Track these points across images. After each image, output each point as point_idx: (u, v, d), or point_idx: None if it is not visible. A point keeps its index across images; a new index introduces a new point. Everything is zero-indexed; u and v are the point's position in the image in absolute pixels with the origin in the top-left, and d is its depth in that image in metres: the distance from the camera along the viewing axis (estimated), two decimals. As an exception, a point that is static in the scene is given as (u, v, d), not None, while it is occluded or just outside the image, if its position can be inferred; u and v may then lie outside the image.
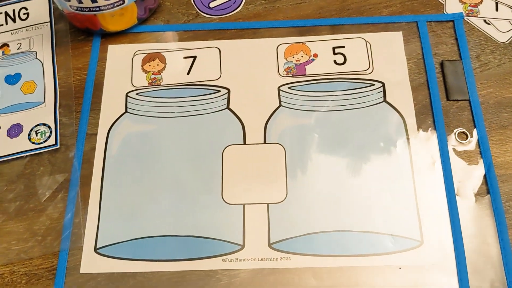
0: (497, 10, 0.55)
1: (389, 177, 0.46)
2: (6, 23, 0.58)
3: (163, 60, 0.54)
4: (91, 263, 0.44)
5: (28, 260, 0.45)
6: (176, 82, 0.52)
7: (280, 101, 0.50)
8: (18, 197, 0.48)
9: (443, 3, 0.56)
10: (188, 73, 0.53)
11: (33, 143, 0.50)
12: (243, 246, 0.44)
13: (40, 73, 0.54)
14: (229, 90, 0.51)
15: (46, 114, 0.51)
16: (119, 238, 0.45)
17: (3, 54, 0.56)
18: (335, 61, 0.52)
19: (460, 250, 0.43)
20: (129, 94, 0.52)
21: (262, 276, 0.43)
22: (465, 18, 0.54)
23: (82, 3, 0.50)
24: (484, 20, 0.54)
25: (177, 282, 0.43)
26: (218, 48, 0.54)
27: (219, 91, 0.51)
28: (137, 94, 0.52)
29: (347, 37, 0.54)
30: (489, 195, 0.45)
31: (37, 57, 0.55)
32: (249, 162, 0.48)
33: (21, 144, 0.50)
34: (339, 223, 0.44)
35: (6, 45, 0.56)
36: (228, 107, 0.51)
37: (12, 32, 0.57)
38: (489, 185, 0.45)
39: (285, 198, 0.46)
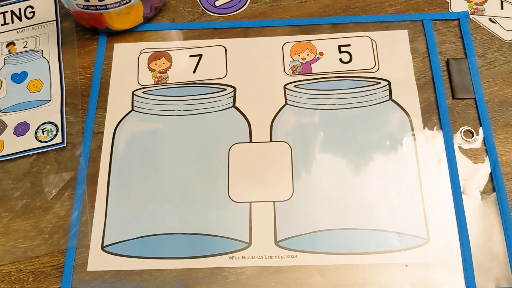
0: (502, 8, 0.55)
1: (395, 175, 0.46)
2: (12, 22, 0.58)
3: (169, 58, 0.54)
4: (98, 261, 0.45)
5: (35, 258, 0.45)
6: (182, 81, 0.53)
7: (286, 100, 0.51)
8: (25, 195, 0.48)
9: (449, 1, 0.56)
10: (194, 72, 0.53)
11: (40, 141, 0.50)
12: (249, 244, 0.44)
13: (46, 71, 0.54)
14: (235, 89, 0.52)
15: (52, 112, 0.52)
16: (126, 236, 0.45)
17: (10, 53, 0.56)
18: (340, 60, 0.52)
19: (466, 248, 0.43)
20: (135, 93, 0.52)
21: (269, 273, 0.43)
22: (471, 16, 0.54)
23: (88, 1, 0.50)
24: (489, 19, 0.54)
25: (184, 279, 0.43)
26: (224, 47, 0.54)
27: (225, 89, 0.52)
28: (143, 92, 0.52)
29: (353, 35, 0.54)
30: (494, 193, 0.45)
31: (43, 55, 0.55)
32: (255, 160, 0.48)
33: (28, 142, 0.50)
34: (345, 221, 0.45)
35: (12, 43, 0.56)
36: (234, 106, 0.51)
37: (18, 30, 0.57)
38: (494, 183, 0.45)
39: (291, 196, 0.46)
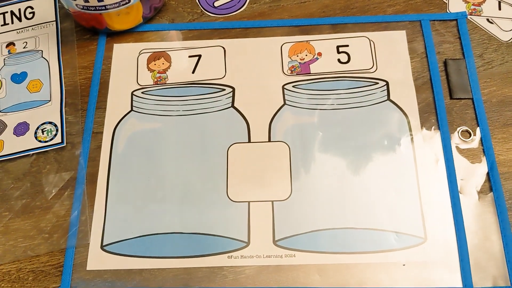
0: (500, 9, 0.55)
1: (392, 175, 0.46)
2: (12, 22, 0.58)
3: (168, 59, 0.54)
4: (97, 260, 0.45)
5: (35, 257, 0.46)
6: (181, 81, 0.53)
7: (284, 100, 0.51)
8: (25, 194, 0.48)
9: (447, 2, 0.56)
10: (193, 72, 0.53)
11: (40, 141, 0.50)
12: (248, 243, 0.44)
13: (46, 71, 0.54)
14: (233, 89, 0.52)
15: (52, 112, 0.52)
16: (125, 235, 0.46)
17: (9, 53, 0.56)
18: (339, 60, 0.53)
19: (463, 247, 0.43)
20: (134, 93, 0.52)
21: (267, 273, 0.43)
22: (468, 17, 0.55)
23: (88, 2, 0.51)
24: (487, 19, 0.55)
25: (183, 278, 0.43)
26: (223, 47, 0.55)
27: (224, 89, 0.52)
28: (142, 92, 0.52)
29: (351, 36, 0.54)
30: (492, 193, 0.45)
31: (43, 56, 0.55)
32: (254, 160, 0.48)
33: (28, 142, 0.50)
34: (343, 220, 0.45)
35: (12, 44, 0.57)
36: (233, 106, 0.51)
37: (18, 31, 0.57)
38: (492, 183, 0.46)
39: (289, 196, 0.46)
